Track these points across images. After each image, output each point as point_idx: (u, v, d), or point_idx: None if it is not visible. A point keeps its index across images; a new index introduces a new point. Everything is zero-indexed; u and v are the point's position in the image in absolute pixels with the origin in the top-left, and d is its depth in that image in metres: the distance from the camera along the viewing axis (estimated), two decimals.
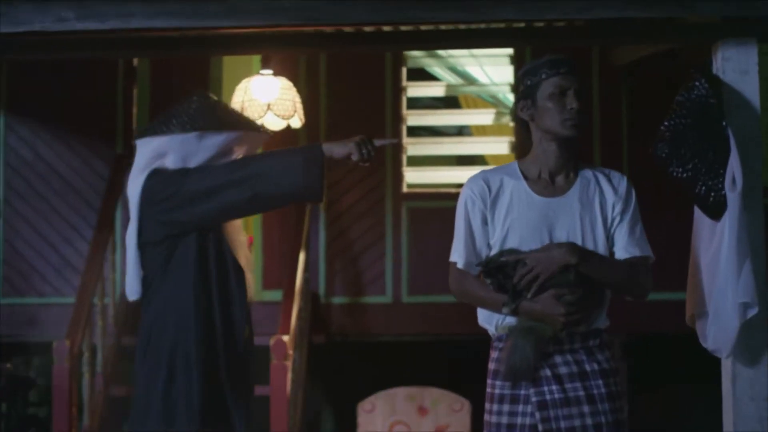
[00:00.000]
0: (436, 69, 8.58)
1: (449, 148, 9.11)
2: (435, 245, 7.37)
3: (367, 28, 4.44)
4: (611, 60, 7.59)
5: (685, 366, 7.00)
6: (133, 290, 3.69)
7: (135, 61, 8.00)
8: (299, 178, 3.48)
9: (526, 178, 3.42)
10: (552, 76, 3.37)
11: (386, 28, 4.42)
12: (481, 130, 8.89)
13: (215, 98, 3.77)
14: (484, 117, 8.56)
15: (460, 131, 9.90)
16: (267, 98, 6.18)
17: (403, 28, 4.43)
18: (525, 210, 3.37)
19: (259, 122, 5.85)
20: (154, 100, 8.06)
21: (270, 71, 6.31)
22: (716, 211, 4.13)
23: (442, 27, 4.43)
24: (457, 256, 3.44)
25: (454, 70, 8.55)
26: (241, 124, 3.69)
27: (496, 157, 8.73)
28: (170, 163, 3.62)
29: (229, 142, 3.61)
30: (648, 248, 3.46)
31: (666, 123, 4.19)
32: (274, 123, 6.27)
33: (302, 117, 6.33)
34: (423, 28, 4.43)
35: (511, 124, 8.10)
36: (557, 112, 3.35)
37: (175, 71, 7.76)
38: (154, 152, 3.61)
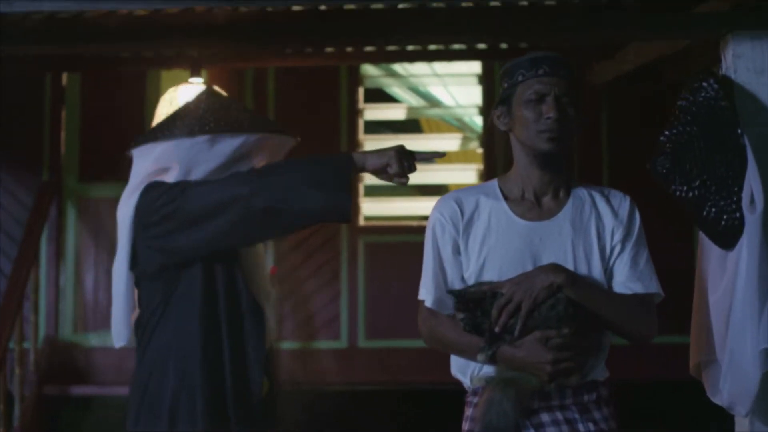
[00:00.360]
0: (395, 89, 8.35)
1: (411, 176, 8.16)
2: (396, 284, 7.36)
3: (296, 7, 3.98)
4: (589, 79, 7.25)
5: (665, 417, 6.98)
6: (120, 334, 3.35)
7: (64, 79, 7.70)
8: (326, 193, 3.15)
9: (506, 198, 3.13)
10: (529, 78, 3.07)
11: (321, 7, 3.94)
12: (445, 157, 8.08)
13: (227, 96, 3.50)
14: (448, 142, 8.19)
15: None
16: None
17: (347, 6, 3.93)
18: (505, 236, 3.07)
19: None
20: (85, 122, 7.79)
21: (200, 80, 5.68)
22: (729, 238, 3.76)
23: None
24: (425, 292, 3.14)
25: (415, 90, 8.32)
26: (260, 125, 3.37)
27: (461, 186, 7.94)
28: (173, 175, 3.26)
29: (246, 147, 3.29)
30: (654, 283, 3.12)
31: (666, 132, 3.85)
32: None
33: None
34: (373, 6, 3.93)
35: (479, 150, 7.97)
36: (532, 122, 3.05)
37: (108, 90, 7.58)
38: (155, 163, 3.27)
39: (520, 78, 3.10)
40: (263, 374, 3.31)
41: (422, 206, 8.00)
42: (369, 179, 7.94)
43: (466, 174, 8.21)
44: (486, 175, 7.70)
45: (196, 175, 3.29)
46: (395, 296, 7.37)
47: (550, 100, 3.05)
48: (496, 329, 2.97)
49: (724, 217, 3.78)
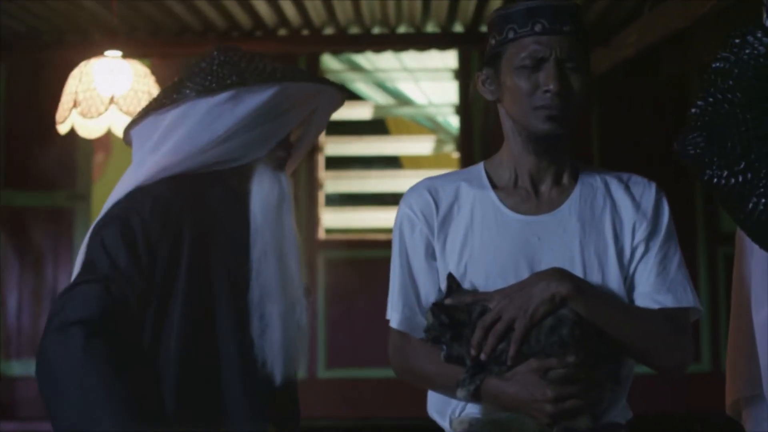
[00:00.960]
0: (360, 86, 8.14)
1: (376, 184, 8.52)
2: (361, 306, 7.14)
3: None
4: None
5: None
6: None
7: None
8: None
9: (495, 186, 2.72)
10: (523, 35, 2.61)
11: None
12: (415, 162, 8.53)
13: (244, 49, 2.91)
14: (419, 145, 8.18)
15: (391, 163, 9.51)
16: (111, 89, 4.83)
17: None
18: (493, 235, 2.66)
19: (97, 121, 4.47)
20: (8, 121, 7.53)
21: (118, 53, 4.92)
22: None
23: None
24: (392, 310, 2.73)
25: (382, 87, 8.12)
26: (297, 74, 2.85)
27: None
28: (184, 150, 2.71)
29: (279, 100, 2.77)
30: (690, 295, 2.67)
31: (700, 103, 3.17)
32: (120, 124, 4.90)
33: None
34: None
35: (455, 154, 7.85)
36: (526, 95, 2.61)
37: (33, 89, 7.17)
38: (164, 139, 2.74)
39: (511, 35, 2.64)
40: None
41: (390, 218, 7.57)
42: (330, 187, 7.96)
43: None
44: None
45: (222, 128, 2.74)
46: (360, 320, 7.16)
47: (550, 67, 2.58)
48: (482, 356, 2.52)
49: None
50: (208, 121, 2.72)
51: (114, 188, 2.79)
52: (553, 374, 2.51)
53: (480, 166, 2.77)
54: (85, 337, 2.45)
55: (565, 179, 2.73)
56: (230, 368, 2.69)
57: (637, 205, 2.71)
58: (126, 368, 2.53)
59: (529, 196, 2.70)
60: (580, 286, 2.56)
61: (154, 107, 2.76)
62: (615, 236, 2.66)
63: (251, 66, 2.78)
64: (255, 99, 2.75)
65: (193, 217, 2.67)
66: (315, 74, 2.90)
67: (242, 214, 2.75)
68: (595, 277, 2.64)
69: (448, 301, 2.59)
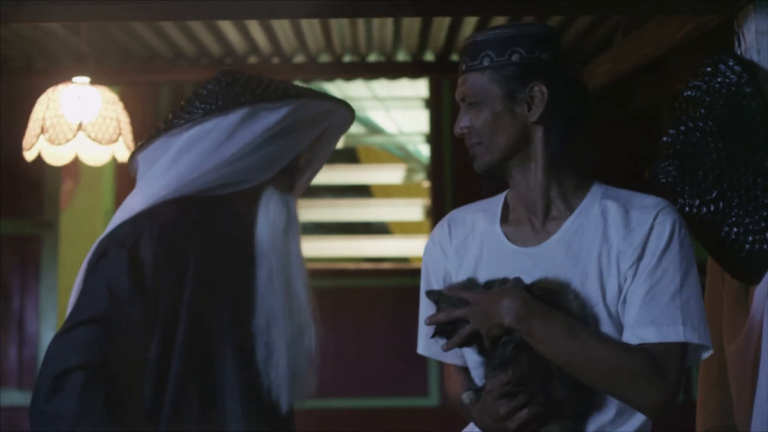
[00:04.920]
0: None
1: (346, 212, 8.47)
2: (333, 336, 6.73)
3: None
4: None
5: None
6: None
7: None
8: None
9: (506, 216, 2.69)
10: (459, 75, 2.65)
11: None
12: (386, 191, 8.44)
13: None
14: (390, 174, 8.21)
15: (361, 191, 9.42)
16: (78, 116, 4.75)
17: None
18: (497, 266, 2.62)
19: (65, 147, 4.40)
20: None
21: (86, 79, 4.82)
22: (755, 268, 3.15)
23: None
24: (420, 338, 2.77)
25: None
26: (310, 92, 2.77)
27: (404, 225, 8.41)
28: (193, 169, 2.65)
29: (294, 118, 2.70)
30: (680, 329, 2.46)
31: (671, 132, 3.29)
32: (88, 151, 4.87)
33: (131, 144, 4.96)
34: None
35: (426, 183, 7.82)
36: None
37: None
38: (174, 159, 2.66)
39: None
40: None
41: (360, 246, 8.00)
42: (300, 216, 7.58)
43: (410, 210, 8.21)
44: (433, 213, 7.45)
45: (225, 154, 2.66)
46: (329, 350, 6.82)
47: (464, 106, 2.60)
48: (443, 345, 2.53)
49: (750, 239, 3.16)
50: (222, 140, 2.67)
51: (119, 209, 2.71)
52: (501, 392, 2.48)
53: (502, 196, 2.74)
54: (84, 383, 2.40)
55: (562, 208, 2.64)
56: (233, 397, 2.62)
57: (627, 233, 2.55)
58: (124, 413, 2.48)
59: (529, 226, 2.66)
60: (528, 315, 2.46)
61: (164, 129, 2.70)
62: (600, 268, 2.54)
63: (262, 84, 2.75)
64: (270, 116, 2.71)
65: (199, 241, 2.61)
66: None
67: (248, 238, 2.70)
68: (579, 310, 2.53)
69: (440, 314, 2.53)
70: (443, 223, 2.75)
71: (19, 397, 7.01)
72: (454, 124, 2.61)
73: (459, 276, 2.65)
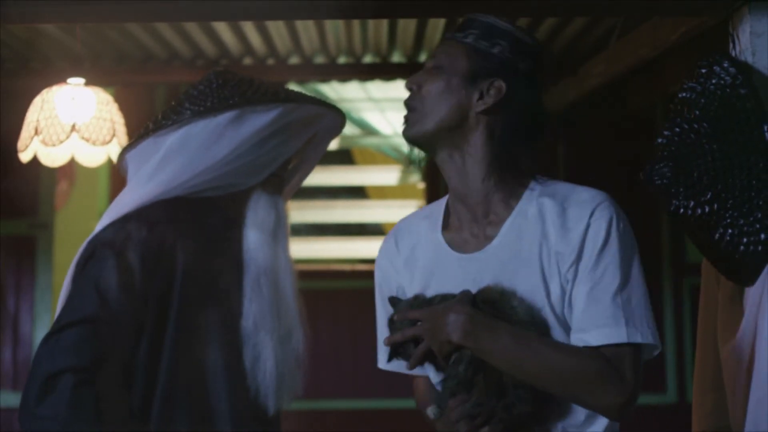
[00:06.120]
0: None
1: (341, 214, 8.42)
2: (324, 337, 6.97)
3: None
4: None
5: None
6: None
7: None
8: None
9: (447, 222, 2.61)
10: None
11: None
12: (381, 192, 8.48)
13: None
14: (385, 175, 8.17)
15: (357, 193, 9.38)
16: (73, 117, 4.73)
17: None
18: (443, 275, 2.54)
19: (60, 149, 4.38)
20: None
21: (81, 80, 4.85)
22: (750, 269, 3.09)
23: None
24: (378, 351, 2.72)
25: (348, 116, 7.73)
26: (300, 96, 2.74)
27: None
28: (182, 172, 2.62)
29: (282, 122, 2.67)
30: (623, 329, 2.39)
31: (666, 133, 3.21)
32: (83, 152, 4.86)
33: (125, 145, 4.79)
34: None
35: (421, 184, 7.86)
36: None
37: None
38: (163, 161, 2.64)
39: None
40: None
41: (355, 248, 7.95)
42: (295, 217, 7.99)
43: (405, 211, 7.89)
44: None
45: (214, 157, 2.64)
46: (324, 351, 6.98)
47: (425, 68, 2.56)
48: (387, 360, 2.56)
49: (744, 240, 3.09)
50: (210, 142, 2.64)
51: (108, 209, 2.69)
52: (457, 413, 2.42)
53: (443, 201, 2.66)
54: (74, 385, 2.38)
55: (499, 210, 2.55)
56: (220, 399, 2.60)
57: (564, 232, 2.46)
58: (114, 415, 2.46)
59: (470, 230, 2.58)
60: (475, 329, 2.39)
61: (153, 129, 2.66)
62: (542, 270, 2.46)
63: (253, 87, 2.71)
64: (259, 119, 2.67)
65: (188, 243, 2.58)
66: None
67: (237, 240, 2.67)
68: (525, 315, 2.45)
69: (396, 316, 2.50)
70: (390, 236, 2.69)
71: (13, 399, 6.97)
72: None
73: (412, 287, 2.58)
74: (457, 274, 2.51)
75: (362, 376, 7.14)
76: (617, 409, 2.38)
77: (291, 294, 2.72)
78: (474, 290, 2.43)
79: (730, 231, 3.12)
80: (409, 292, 2.59)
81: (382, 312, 2.68)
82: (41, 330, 7.11)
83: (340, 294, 7.04)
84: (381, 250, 2.70)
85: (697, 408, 3.32)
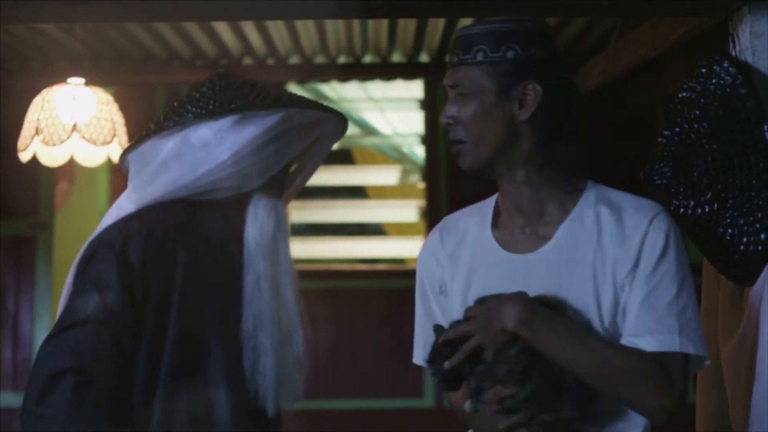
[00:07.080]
0: None
1: (341, 214, 8.40)
2: (325, 336, 6.66)
3: None
4: None
5: None
6: None
7: None
8: None
9: (497, 220, 2.58)
10: (448, 68, 2.55)
11: None
12: (381, 192, 8.41)
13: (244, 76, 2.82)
14: (385, 175, 8.14)
15: (357, 193, 9.33)
16: (73, 116, 4.71)
17: None
18: (490, 274, 2.52)
19: (60, 148, 4.38)
20: None
21: (81, 80, 4.84)
22: (750, 269, 3.08)
23: None
24: (415, 347, 2.68)
25: (347, 116, 7.49)
26: (302, 100, 2.73)
27: (399, 226, 8.32)
28: (182, 177, 2.61)
29: (284, 126, 2.65)
30: (678, 338, 2.37)
31: (666, 133, 3.22)
32: (83, 152, 4.84)
33: (126, 145, 4.76)
34: None
35: (421, 185, 7.78)
36: None
37: None
38: (164, 163, 2.63)
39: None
40: None
41: (355, 248, 7.89)
42: (295, 217, 7.96)
43: (405, 211, 8.09)
44: (428, 214, 7.38)
45: (215, 161, 2.63)
46: (325, 351, 6.96)
47: (453, 96, 2.48)
48: (446, 365, 2.42)
49: (744, 240, 3.09)
50: (211, 145, 2.62)
51: (109, 211, 2.69)
52: (504, 405, 2.40)
53: (493, 199, 2.65)
54: (75, 386, 2.37)
55: (556, 211, 2.54)
56: (220, 401, 2.59)
57: (622, 240, 2.46)
58: (115, 416, 2.46)
59: (522, 232, 2.56)
60: (531, 318, 2.38)
61: (154, 131, 2.65)
62: (594, 276, 2.45)
63: (255, 90, 2.69)
64: (261, 123, 2.65)
65: (188, 245, 2.58)
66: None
67: (237, 242, 2.66)
68: (574, 317, 2.45)
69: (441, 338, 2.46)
70: (435, 231, 2.66)
71: (13, 399, 6.97)
72: (440, 114, 2.50)
73: (454, 284, 2.56)
74: (504, 272, 2.51)
75: (362, 376, 7.12)
76: (665, 414, 2.38)
77: (291, 296, 2.71)
78: (518, 290, 2.42)
79: (730, 231, 3.12)
80: (452, 287, 2.58)
81: (421, 307, 2.66)
82: (41, 330, 7.10)
83: (340, 294, 7.02)
84: (425, 245, 2.68)
85: (699, 409, 3.31)
